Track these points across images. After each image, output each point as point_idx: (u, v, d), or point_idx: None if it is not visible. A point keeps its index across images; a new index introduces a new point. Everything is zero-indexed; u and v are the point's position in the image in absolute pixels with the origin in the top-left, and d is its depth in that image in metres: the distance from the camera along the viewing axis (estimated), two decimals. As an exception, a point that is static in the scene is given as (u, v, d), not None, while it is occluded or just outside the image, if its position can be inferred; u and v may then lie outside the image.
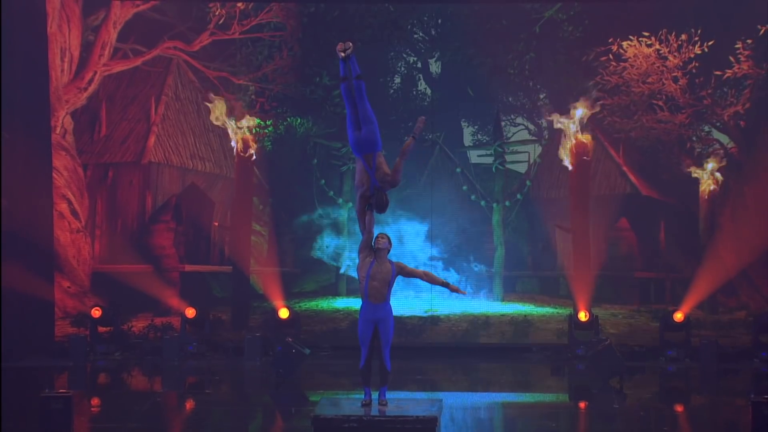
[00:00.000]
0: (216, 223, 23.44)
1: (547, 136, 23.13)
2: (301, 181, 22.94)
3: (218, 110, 22.17)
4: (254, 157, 22.30)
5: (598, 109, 21.71)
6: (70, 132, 22.05)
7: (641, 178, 22.80)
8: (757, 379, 17.99)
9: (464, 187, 23.00)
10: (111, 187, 22.59)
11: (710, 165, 21.79)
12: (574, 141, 21.87)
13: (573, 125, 21.81)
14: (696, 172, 21.81)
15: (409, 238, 22.60)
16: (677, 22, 21.57)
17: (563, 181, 22.74)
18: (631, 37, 21.63)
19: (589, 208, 21.84)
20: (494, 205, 22.71)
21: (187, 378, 18.52)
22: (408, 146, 11.84)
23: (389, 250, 11.82)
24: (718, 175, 21.71)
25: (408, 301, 22.08)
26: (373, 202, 11.68)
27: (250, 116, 22.22)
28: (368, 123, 11.63)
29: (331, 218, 22.94)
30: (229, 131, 22.22)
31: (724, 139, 22.04)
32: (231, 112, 22.11)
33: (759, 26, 21.11)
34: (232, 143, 22.18)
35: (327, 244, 23.00)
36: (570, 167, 22.03)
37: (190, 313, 20.47)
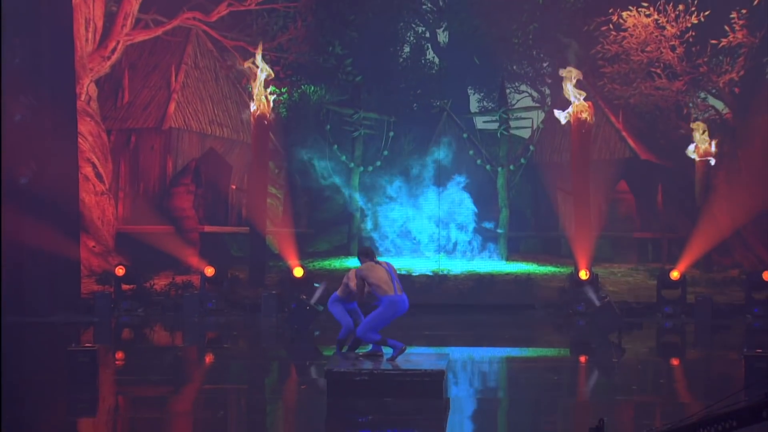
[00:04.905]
0: (234, 186, 23.33)
1: (549, 103, 22.94)
2: (315, 146, 22.79)
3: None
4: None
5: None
6: (94, 99, 21.91)
7: (640, 142, 22.61)
8: (750, 333, 17.87)
9: (470, 152, 22.83)
10: (134, 151, 22.49)
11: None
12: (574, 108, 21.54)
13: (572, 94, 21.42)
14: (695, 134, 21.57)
15: (418, 202, 22.45)
16: (675, -8, 21.35)
17: (565, 145, 22.56)
18: (630, 7, 21.41)
19: (590, 172, 21.62)
20: (499, 169, 22.54)
21: (206, 333, 18.47)
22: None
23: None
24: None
25: (417, 261, 21.97)
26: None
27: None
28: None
29: (343, 181, 22.87)
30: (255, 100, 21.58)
31: (719, 105, 21.85)
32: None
33: (753, -4, 20.87)
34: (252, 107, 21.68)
35: (341, 203, 23.02)
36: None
37: (209, 271, 20.37)
